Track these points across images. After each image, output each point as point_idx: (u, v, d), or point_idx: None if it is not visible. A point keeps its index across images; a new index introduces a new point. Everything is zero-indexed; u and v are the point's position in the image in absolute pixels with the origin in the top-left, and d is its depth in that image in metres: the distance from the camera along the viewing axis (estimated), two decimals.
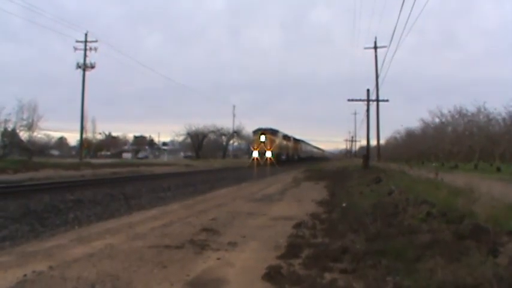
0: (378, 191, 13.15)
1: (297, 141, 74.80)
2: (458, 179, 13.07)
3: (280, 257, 5.41)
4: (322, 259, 5.17)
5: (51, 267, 4.87)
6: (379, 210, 8.60)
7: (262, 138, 48.00)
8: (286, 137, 63.06)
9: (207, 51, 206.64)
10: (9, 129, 37.12)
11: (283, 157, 58.79)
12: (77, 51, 43.27)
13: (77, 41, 43.19)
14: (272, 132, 53.16)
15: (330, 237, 6.58)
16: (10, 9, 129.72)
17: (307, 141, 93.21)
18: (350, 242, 5.91)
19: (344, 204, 10.48)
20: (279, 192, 15.56)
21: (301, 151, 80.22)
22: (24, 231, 7.72)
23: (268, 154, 45.40)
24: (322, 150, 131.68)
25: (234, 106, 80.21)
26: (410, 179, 15.97)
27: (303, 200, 12.51)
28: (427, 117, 48.49)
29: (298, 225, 7.82)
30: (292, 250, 5.75)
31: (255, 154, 45.60)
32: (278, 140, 54.66)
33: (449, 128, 43.12)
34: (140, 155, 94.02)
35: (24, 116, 38.32)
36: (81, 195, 12.88)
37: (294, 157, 70.23)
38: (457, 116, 41.50)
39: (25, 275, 4.55)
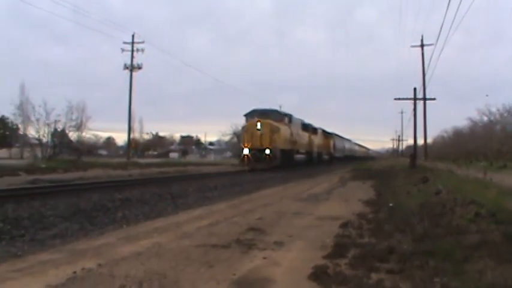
0: (425, 191, 12.93)
1: (328, 135, 56.42)
2: (507, 178, 12.68)
3: (327, 257, 5.40)
4: (368, 259, 5.16)
5: (100, 265, 4.99)
6: (426, 210, 8.51)
7: (258, 126, 32.39)
8: (307, 127, 43.89)
9: (253, 51, 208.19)
10: (59, 129, 38.39)
11: (301, 156, 41.03)
12: (124, 53, 44.45)
13: (124, 43, 44.30)
14: (276, 118, 34.51)
15: (376, 237, 6.54)
16: (60, 12, 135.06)
17: (350, 139, 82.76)
18: (397, 242, 5.88)
19: (391, 204, 10.39)
20: (325, 191, 15.45)
21: (335, 149, 62.70)
22: (74, 229, 7.80)
23: (268, 151, 31.96)
24: (367, 149, 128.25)
25: (280, 106, 79.85)
26: (458, 179, 15.62)
27: (350, 200, 12.41)
28: (475, 116, 47.29)
29: (344, 225, 7.79)
30: (338, 250, 5.75)
31: (246, 151, 32.34)
32: (288, 130, 35.97)
33: (498, 127, 41.75)
34: None
35: (73, 117, 39.25)
36: (129, 195, 13.03)
37: (321, 157, 51.98)
38: (505, 114, 40.19)
39: (75, 272, 4.67)
